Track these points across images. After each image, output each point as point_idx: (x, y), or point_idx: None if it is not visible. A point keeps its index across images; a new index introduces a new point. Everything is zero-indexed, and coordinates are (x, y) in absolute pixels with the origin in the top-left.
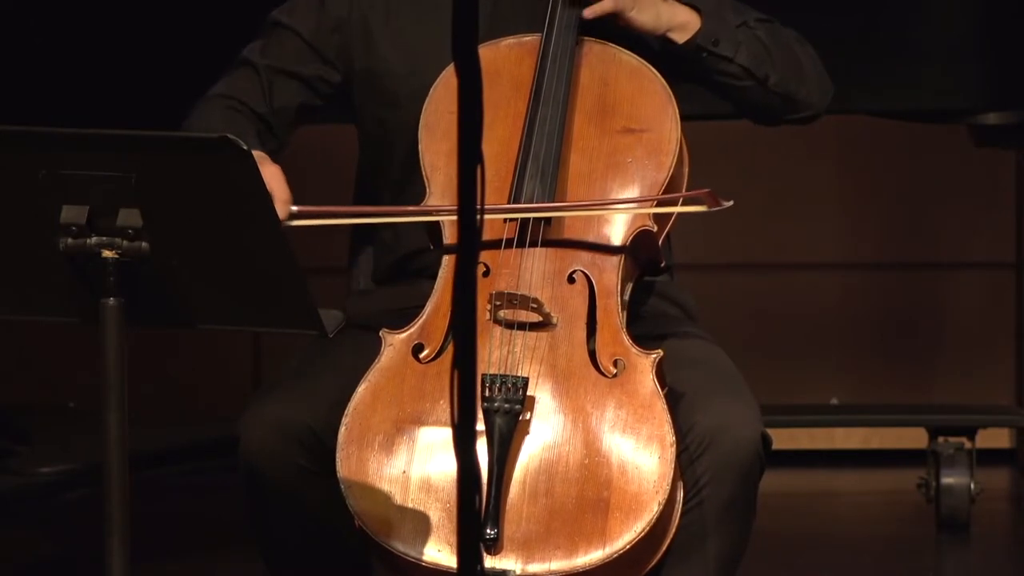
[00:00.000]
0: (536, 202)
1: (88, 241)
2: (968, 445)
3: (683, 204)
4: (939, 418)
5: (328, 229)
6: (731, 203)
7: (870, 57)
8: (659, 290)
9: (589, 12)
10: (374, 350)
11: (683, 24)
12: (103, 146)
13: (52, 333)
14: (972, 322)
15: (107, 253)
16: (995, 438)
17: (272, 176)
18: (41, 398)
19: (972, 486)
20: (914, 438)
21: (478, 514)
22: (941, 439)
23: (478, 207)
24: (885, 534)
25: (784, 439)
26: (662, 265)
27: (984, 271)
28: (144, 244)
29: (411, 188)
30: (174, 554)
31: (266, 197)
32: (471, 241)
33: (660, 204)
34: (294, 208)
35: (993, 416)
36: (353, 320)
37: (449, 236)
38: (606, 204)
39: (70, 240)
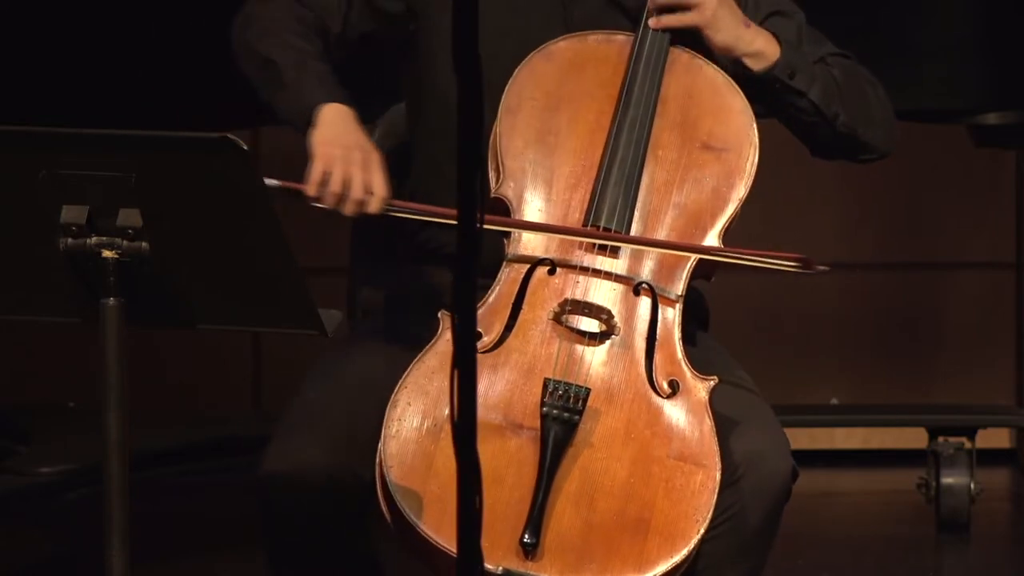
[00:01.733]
0: (618, 210)
1: (88, 241)
2: (968, 445)
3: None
4: (939, 418)
5: (329, 228)
6: (827, 269)
7: (870, 57)
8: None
9: (670, 20)
10: (386, 356)
11: (761, 52)
12: (103, 146)
13: (52, 333)
14: (972, 322)
15: (107, 253)
16: (995, 438)
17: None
18: (41, 398)
19: (972, 486)
20: (914, 438)
21: (479, 513)
22: (941, 439)
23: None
24: (885, 534)
25: None
26: (711, 280)
27: (984, 271)
28: (144, 244)
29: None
30: (174, 554)
31: (266, 197)
32: (471, 242)
33: (752, 258)
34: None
35: (993, 416)
36: (370, 312)
37: (520, 241)
38: (683, 247)
39: (70, 240)
